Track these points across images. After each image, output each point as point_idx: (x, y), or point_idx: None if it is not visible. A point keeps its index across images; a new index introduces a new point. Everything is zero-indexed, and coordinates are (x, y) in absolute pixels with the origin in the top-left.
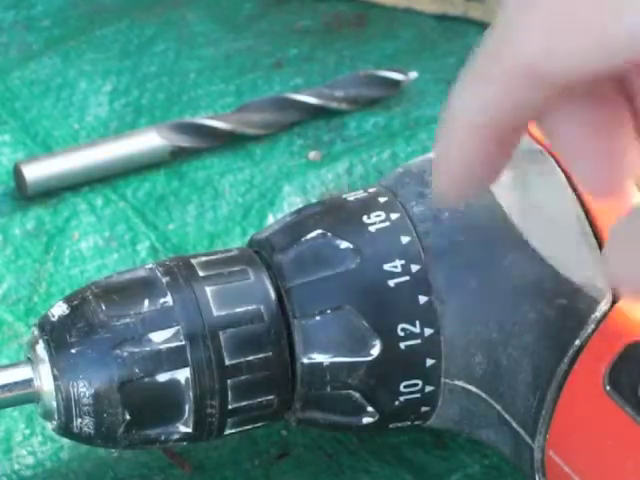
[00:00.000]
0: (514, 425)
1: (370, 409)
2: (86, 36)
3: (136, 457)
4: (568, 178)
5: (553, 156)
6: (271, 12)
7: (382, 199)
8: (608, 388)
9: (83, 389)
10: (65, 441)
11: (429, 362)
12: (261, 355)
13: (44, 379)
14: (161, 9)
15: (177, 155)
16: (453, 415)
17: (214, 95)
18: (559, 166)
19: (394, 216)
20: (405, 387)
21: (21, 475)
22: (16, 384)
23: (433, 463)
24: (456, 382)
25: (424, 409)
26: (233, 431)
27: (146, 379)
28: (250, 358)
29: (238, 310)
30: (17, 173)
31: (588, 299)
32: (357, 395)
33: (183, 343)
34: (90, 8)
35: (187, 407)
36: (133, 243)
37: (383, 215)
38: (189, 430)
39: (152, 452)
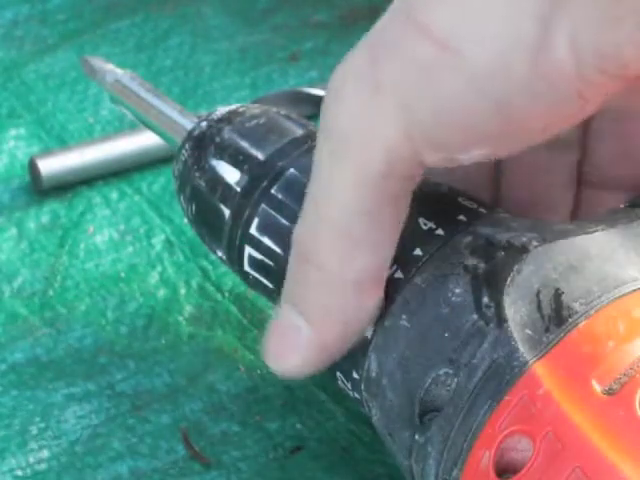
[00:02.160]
0: None
1: None
2: (101, 30)
3: (152, 450)
4: None
5: None
6: (286, 5)
7: None
8: None
9: None
10: (80, 435)
11: None
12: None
13: None
14: (176, 3)
15: None
16: None
17: (229, 89)
18: None
19: None
20: None
21: (35, 469)
22: None
23: None
24: None
25: None
26: (251, 271)
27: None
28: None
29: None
30: (32, 167)
31: None
32: None
33: (238, 190)
34: (105, 1)
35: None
36: (148, 237)
37: None
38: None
39: (168, 445)
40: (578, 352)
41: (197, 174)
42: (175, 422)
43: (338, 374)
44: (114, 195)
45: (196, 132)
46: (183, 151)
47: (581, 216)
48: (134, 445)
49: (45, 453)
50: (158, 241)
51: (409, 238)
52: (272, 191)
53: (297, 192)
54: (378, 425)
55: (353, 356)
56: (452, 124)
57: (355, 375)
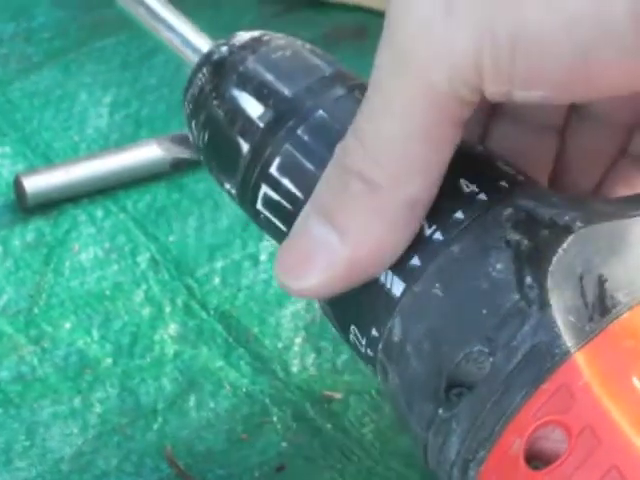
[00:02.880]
0: None
1: None
2: (86, 48)
3: (137, 469)
4: None
5: None
6: (271, 24)
7: None
8: None
9: None
10: (65, 453)
11: None
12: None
13: None
14: None
15: (177, 167)
16: None
17: None
18: None
19: None
20: None
21: None
22: None
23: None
24: None
25: None
26: (264, 211)
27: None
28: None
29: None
30: (17, 185)
31: None
32: None
33: (261, 126)
34: (90, 20)
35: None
36: (133, 255)
37: None
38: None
39: (154, 464)
40: (620, 345)
41: (215, 102)
42: (160, 440)
43: (352, 328)
44: (99, 213)
45: (216, 57)
46: (200, 75)
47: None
48: (119, 463)
49: (30, 471)
50: (143, 259)
51: (450, 198)
52: (298, 131)
53: (324, 136)
54: (394, 391)
55: (375, 311)
56: (526, 55)
57: (374, 332)
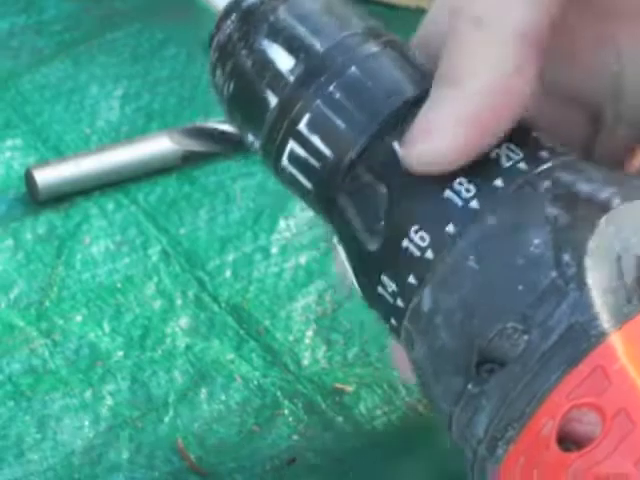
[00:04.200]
0: None
1: None
2: (97, 40)
3: (149, 461)
4: None
5: None
6: None
7: None
8: None
9: None
10: (76, 446)
11: None
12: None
13: None
14: (172, 13)
15: (188, 160)
16: None
17: None
18: None
19: None
20: None
21: None
22: None
23: (452, 461)
24: None
25: None
26: (289, 167)
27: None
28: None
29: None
30: (28, 178)
31: None
32: None
33: (291, 80)
34: (101, 12)
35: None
36: (144, 247)
37: None
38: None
39: (165, 456)
40: None
41: (243, 52)
42: (172, 433)
43: (383, 277)
44: (110, 206)
45: (246, 3)
46: (228, 21)
47: None
48: (131, 456)
49: (42, 464)
50: (154, 252)
51: (490, 164)
52: (330, 88)
53: (357, 94)
54: (421, 361)
55: (412, 260)
56: None
57: (412, 280)
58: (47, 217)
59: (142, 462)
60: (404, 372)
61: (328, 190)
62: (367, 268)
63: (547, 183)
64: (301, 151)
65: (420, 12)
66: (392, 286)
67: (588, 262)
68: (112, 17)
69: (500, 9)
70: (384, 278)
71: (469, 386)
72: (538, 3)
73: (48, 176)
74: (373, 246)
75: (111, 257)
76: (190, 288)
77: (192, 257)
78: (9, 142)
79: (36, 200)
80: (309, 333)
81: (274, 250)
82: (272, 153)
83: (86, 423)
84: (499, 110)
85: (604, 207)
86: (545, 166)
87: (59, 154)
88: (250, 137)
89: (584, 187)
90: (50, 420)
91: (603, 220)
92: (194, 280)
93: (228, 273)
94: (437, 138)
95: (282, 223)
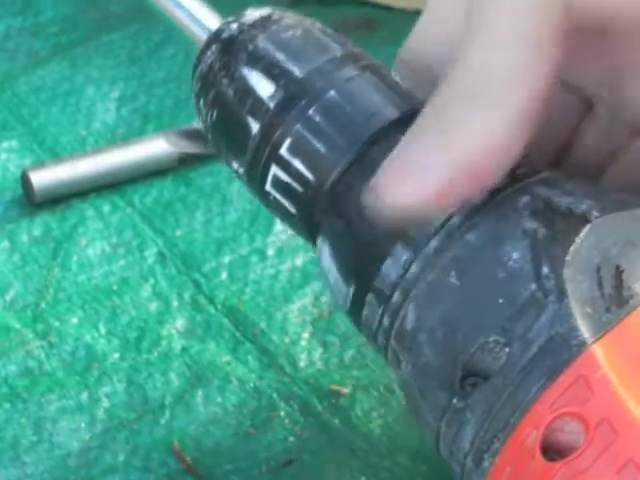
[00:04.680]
0: None
1: None
2: (93, 42)
3: (145, 464)
4: None
5: None
6: None
7: None
8: None
9: None
10: (72, 448)
11: None
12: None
13: None
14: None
15: (184, 162)
16: None
17: None
18: None
19: None
20: None
21: None
22: None
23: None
24: None
25: None
26: (273, 192)
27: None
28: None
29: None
30: (24, 180)
31: None
32: None
33: (272, 106)
34: (97, 14)
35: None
36: (140, 249)
37: None
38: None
39: (161, 459)
40: (638, 336)
41: (225, 81)
42: (168, 435)
43: (369, 298)
44: (106, 208)
45: (226, 34)
46: (209, 52)
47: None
48: (127, 458)
49: (37, 466)
50: (150, 254)
51: None
52: (310, 112)
53: (336, 117)
54: (407, 379)
55: (396, 278)
56: None
57: (396, 298)
58: (43, 219)
59: (138, 464)
60: None
61: (311, 214)
62: (353, 290)
63: (526, 198)
64: (284, 176)
65: (415, 14)
66: (377, 305)
67: (567, 273)
68: (108, 19)
69: (503, 86)
70: (369, 298)
71: (454, 400)
72: (539, 84)
73: (44, 178)
74: (357, 267)
75: (107, 259)
76: (186, 290)
77: (188, 259)
78: (5, 144)
79: (32, 202)
80: (305, 335)
81: (270, 252)
82: (256, 179)
83: (82, 425)
84: (482, 168)
85: (583, 220)
86: (524, 182)
87: (55, 156)
88: (235, 164)
89: (563, 200)
90: (46, 422)
91: (582, 233)
92: (190, 282)
93: (224, 275)
94: (419, 180)
95: (278, 225)
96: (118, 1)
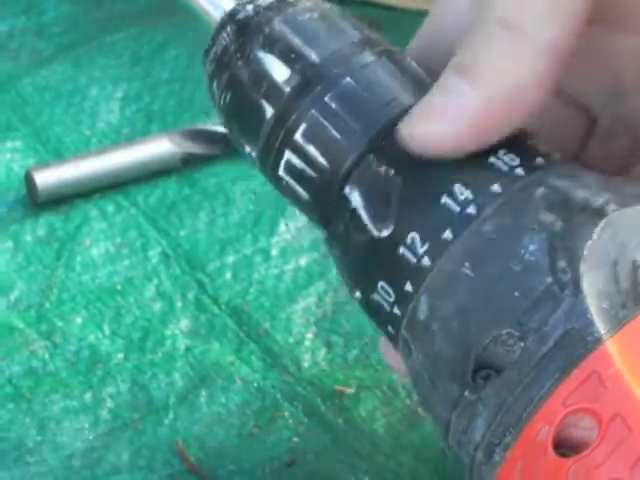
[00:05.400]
0: None
1: None
2: (97, 42)
3: (149, 464)
4: None
5: None
6: None
7: None
8: None
9: None
10: (76, 448)
11: None
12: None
13: None
14: (172, 15)
15: (188, 162)
16: None
17: None
18: None
19: None
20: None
21: None
22: None
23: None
24: None
25: None
26: (286, 177)
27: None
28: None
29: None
30: (28, 180)
31: None
32: None
33: (287, 90)
34: (101, 14)
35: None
36: (144, 250)
37: None
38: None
39: (165, 459)
40: None
41: (239, 63)
42: (171, 435)
43: (381, 284)
44: (110, 208)
45: (240, 16)
46: (223, 34)
47: None
48: (131, 458)
49: (42, 466)
50: (154, 254)
51: (487, 169)
52: (325, 98)
53: (352, 104)
54: (418, 369)
55: (409, 267)
56: None
57: (409, 287)
58: (47, 219)
59: (142, 464)
60: (394, 365)
61: (324, 200)
62: (363, 276)
63: (543, 190)
64: (297, 161)
65: (419, 14)
66: (389, 294)
67: (583, 268)
68: (112, 19)
69: (536, 20)
70: (381, 286)
71: (466, 393)
72: (570, 22)
73: (48, 178)
74: (369, 255)
75: (111, 259)
76: (190, 290)
77: (192, 259)
78: (9, 144)
79: (36, 202)
80: (309, 335)
81: (274, 252)
82: (269, 163)
83: (86, 425)
84: (507, 116)
85: (599, 213)
86: (541, 172)
87: (59, 156)
88: (247, 148)
89: (580, 193)
90: (50, 422)
91: (599, 226)
92: (194, 282)
93: (228, 275)
94: (436, 123)
95: (282, 225)
96: (122, 1)
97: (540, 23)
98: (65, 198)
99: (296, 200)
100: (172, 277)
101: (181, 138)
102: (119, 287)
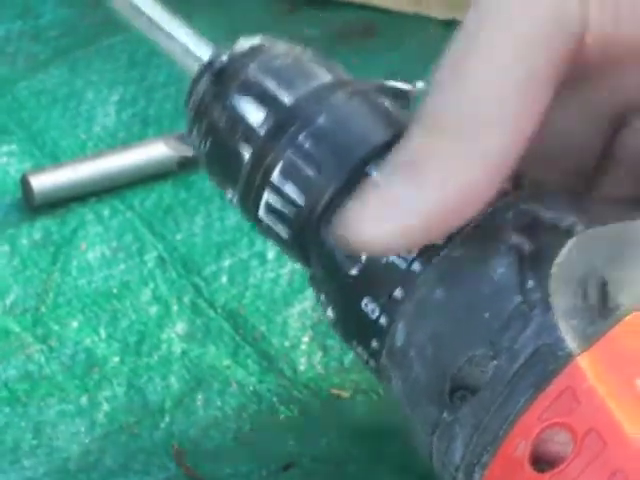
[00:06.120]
0: None
1: None
2: (94, 46)
3: (145, 467)
4: None
5: None
6: (279, 22)
7: None
8: None
9: None
10: (72, 452)
11: None
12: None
13: None
14: None
15: (184, 166)
16: None
17: None
18: None
19: None
20: None
21: None
22: None
23: None
24: None
25: None
26: (265, 218)
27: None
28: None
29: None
30: (24, 184)
31: None
32: None
33: (262, 133)
34: (97, 18)
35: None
36: (140, 254)
37: None
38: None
39: (161, 462)
40: (622, 348)
41: (216, 110)
42: (168, 439)
43: (354, 342)
44: (106, 212)
45: (217, 65)
46: (201, 83)
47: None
48: (127, 462)
49: (37, 470)
50: (150, 258)
51: None
52: (299, 138)
53: (326, 142)
54: (398, 396)
55: (372, 325)
56: None
57: (374, 345)
58: (43, 223)
59: (138, 468)
60: None
61: (303, 239)
62: (345, 316)
63: (511, 213)
64: (276, 202)
65: (414, 18)
66: (365, 330)
67: (552, 286)
68: (108, 23)
69: (484, 128)
70: (364, 304)
71: (444, 414)
72: (531, 124)
73: (44, 182)
74: (347, 291)
75: (107, 263)
76: (186, 294)
77: (188, 263)
78: (5, 148)
79: (32, 206)
80: (305, 339)
81: (270, 256)
82: (249, 206)
83: (82, 429)
84: (460, 213)
85: (567, 233)
86: (509, 197)
87: (55, 160)
88: (229, 192)
89: (547, 215)
90: (46, 426)
91: (566, 246)
92: (190, 286)
93: (224, 279)
94: (381, 223)
95: None
96: None
97: (490, 134)
98: (61, 202)
99: (278, 240)
100: (168, 281)
101: (177, 142)
102: (115, 291)
